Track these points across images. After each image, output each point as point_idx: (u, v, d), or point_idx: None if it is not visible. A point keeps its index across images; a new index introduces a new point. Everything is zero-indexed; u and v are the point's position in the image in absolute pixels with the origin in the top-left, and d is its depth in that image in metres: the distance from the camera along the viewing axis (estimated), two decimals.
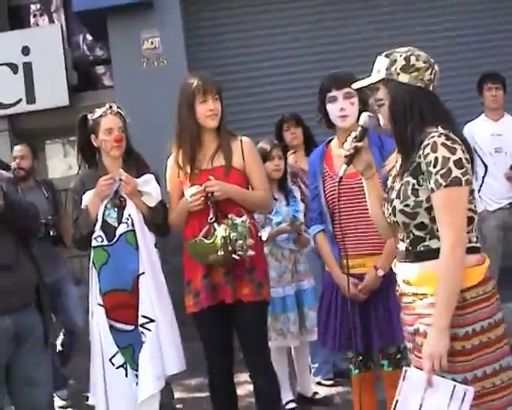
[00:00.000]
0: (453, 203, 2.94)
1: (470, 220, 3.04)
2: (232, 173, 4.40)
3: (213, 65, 8.39)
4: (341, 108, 4.23)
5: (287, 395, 5.59)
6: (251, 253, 4.21)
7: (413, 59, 3.09)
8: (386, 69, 3.10)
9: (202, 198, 4.28)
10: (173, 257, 7.48)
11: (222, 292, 4.33)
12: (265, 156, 5.48)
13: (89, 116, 4.67)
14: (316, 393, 5.87)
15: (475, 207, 3.09)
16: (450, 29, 9.09)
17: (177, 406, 5.32)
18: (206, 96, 4.37)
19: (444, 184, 2.93)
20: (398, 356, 4.20)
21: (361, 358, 4.37)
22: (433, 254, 3.01)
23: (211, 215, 4.27)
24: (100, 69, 12.59)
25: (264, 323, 4.53)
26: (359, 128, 3.30)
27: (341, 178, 3.34)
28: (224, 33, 8.89)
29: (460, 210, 2.96)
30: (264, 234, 5.32)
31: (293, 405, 5.65)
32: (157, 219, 4.55)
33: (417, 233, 3.07)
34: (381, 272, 4.11)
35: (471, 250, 3.03)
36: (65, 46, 11.30)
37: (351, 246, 4.14)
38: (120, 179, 4.47)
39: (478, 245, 3.10)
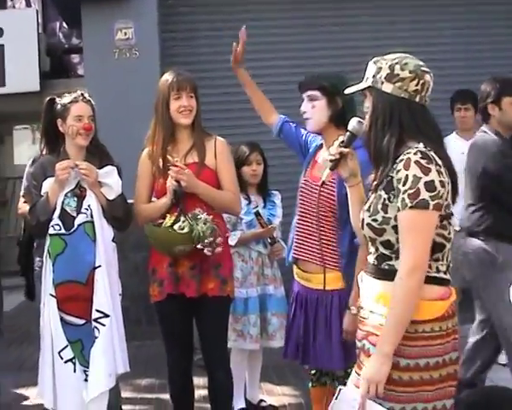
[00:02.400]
0: (417, 227, 2.80)
1: (439, 247, 2.89)
2: (204, 171, 4.42)
3: (187, 61, 8.25)
4: (301, 110, 4.15)
5: (238, 402, 5.49)
6: (219, 249, 4.26)
7: (397, 68, 2.94)
8: (373, 76, 2.99)
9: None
10: (133, 253, 7.45)
11: (185, 285, 4.36)
12: (243, 160, 5.48)
13: (57, 100, 4.54)
14: (262, 400, 5.76)
15: (449, 234, 2.93)
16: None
17: (124, 407, 5.19)
18: (180, 92, 4.41)
19: (409, 205, 2.79)
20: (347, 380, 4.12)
21: (313, 372, 4.31)
22: (395, 274, 2.86)
23: (180, 205, 4.28)
24: (74, 58, 12.48)
25: (225, 318, 4.58)
26: (347, 133, 3.17)
27: (323, 182, 3.30)
28: (200, 30, 8.76)
29: (423, 234, 2.81)
30: (234, 238, 5.27)
31: None
32: (116, 212, 4.45)
33: (383, 251, 2.94)
34: (354, 310, 3.93)
35: (435, 281, 2.89)
36: (39, 31, 11.17)
37: (302, 251, 4.12)
38: (80, 168, 4.35)
39: (446, 277, 2.94)
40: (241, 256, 5.44)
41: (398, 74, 2.94)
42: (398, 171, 2.84)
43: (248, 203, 5.46)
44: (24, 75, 10.71)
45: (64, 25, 11.98)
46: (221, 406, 4.60)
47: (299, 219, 4.16)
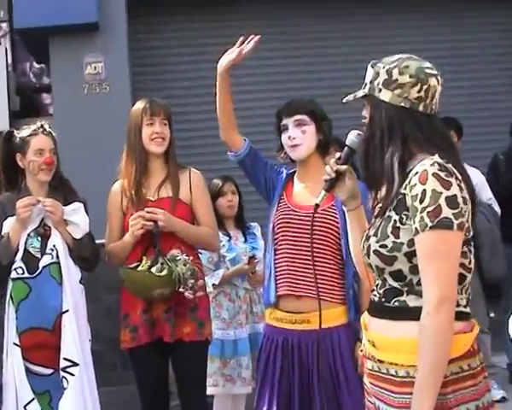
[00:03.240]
0: (440, 250, 2.36)
1: (461, 278, 2.45)
2: (178, 206, 4.22)
3: (159, 96, 7.98)
4: (290, 136, 3.80)
5: None
6: (200, 293, 4.13)
7: (395, 73, 2.54)
8: (370, 82, 2.59)
9: (142, 224, 4.07)
10: (106, 295, 7.16)
11: (160, 329, 4.15)
12: (217, 192, 5.29)
13: (15, 133, 4.27)
14: None
15: (470, 263, 2.50)
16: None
17: None
18: (152, 118, 4.21)
19: (430, 224, 2.35)
20: None
21: None
22: (409, 313, 2.43)
23: (157, 246, 4.06)
24: (45, 98, 12.25)
25: (204, 363, 4.37)
26: (345, 149, 2.75)
27: (317, 205, 2.82)
28: (172, 63, 8.55)
29: (449, 259, 2.37)
30: (217, 277, 5.03)
31: None
32: (83, 252, 4.18)
33: (392, 284, 2.50)
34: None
35: (457, 316, 2.43)
36: (9, 70, 10.96)
37: (290, 284, 3.72)
38: (44, 205, 4.08)
39: (466, 310, 2.50)
40: (228, 296, 5.23)
41: (396, 80, 2.53)
42: (413, 186, 2.42)
43: (229, 239, 5.27)
44: None
45: (35, 65, 11.82)
46: None
47: (281, 253, 3.77)
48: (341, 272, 3.68)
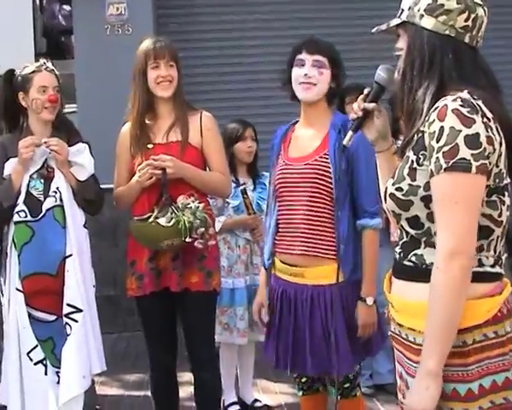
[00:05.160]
0: (455, 196, 2.12)
1: (484, 233, 2.21)
2: (188, 150, 4.05)
3: (183, 39, 7.85)
4: (306, 74, 3.62)
5: (229, 397, 5.19)
6: (212, 243, 4.01)
7: None
8: (409, 9, 2.33)
9: (151, 173, 3.94)
10: (125, 240, 7.01)
11: (167, 278, 4.02)
12: (238, 136, 5.14)
13: (17, 71, 4.09)
14: (256, 400, 5.35)
15: (501, 216, 2.24)
16: None
17: (109, 406, 4.83)
18: (157, 61, 4.02)
19: (444, 166, 2.12)
20: (347, 385, 3.68)
21: (305, 379, 3.84)
22: (427, 274, 2.19)
23: (164, 195, 3.91)
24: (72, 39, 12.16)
25: (212, 314, 4.24)
26: (374, 85, 2.52)
27: (345, 147, 2.61)
28: (197, 6, 8.29)
29: (465, 207, 2.13)
30: (218, 224, 4.88)
31: (236, 407, 5.20)
32: (88, 194, 4.04)
33: (410, 231, 2.28)
34: (370, 300, 3.53)
35: (480, 277, 2.20)
36: (36, 11, 10.86)
37: (287, 244, 3.65)
38: (49, 144, 3.94)
39: (495, 270, 2.25)
40: (228, 243, 5.10)
41: (442, 5, 2.27)
42: (431, 123, 2.18)
43: (236, 186, 5.12)
44: (17, 56, 10.33)
45: (64, 7, 11.67)
46: (207, 409, 4.27)
47: (281, 211, 3.69)
48: (336, 227, 3.53)
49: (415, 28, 2.31)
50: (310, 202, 3.55)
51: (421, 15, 2.30)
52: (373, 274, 3.56)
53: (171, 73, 4.03)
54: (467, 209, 2.13)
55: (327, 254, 3.53)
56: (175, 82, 4.05)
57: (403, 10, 2.36)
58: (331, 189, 3.49)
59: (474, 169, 2.11)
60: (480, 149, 2.12)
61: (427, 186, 2.20)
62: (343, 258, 3.46)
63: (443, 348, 2.13)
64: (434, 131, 2.16)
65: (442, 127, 2.14)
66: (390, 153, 2.56)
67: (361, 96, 2.51)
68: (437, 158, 2.14)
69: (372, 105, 2.49)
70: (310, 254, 3.55)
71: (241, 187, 5.11)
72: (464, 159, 2.11)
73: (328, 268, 3.43)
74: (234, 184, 5.04)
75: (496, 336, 2.19)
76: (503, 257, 2.29)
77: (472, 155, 2.11)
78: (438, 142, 2.15)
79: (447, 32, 2.28)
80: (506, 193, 2.25)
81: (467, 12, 2.27)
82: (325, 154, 3.53)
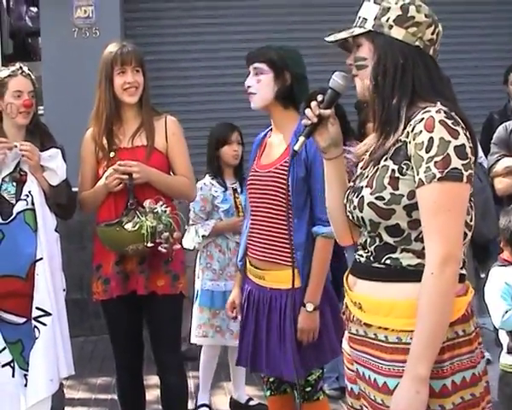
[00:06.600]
0: (448, 204, 2.19)
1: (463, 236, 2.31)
2: (154, 155, 4.08)
3: (150, 42, 7.90)
4: (247, 85, 3.72)
5: (203, 398, 5.28)
6: (177, 247, 3.98)
7: (412, 10, 2.33)
8: (375, 19, 2.36)
9: (117, 179, 3.97)
10: (92, 243, 7.03)
11: (134, 282, 4.06)
12: (224, 140, 5.21)
13: None
14: (250, 399, 5.43)
15: (471, 220, 2.34)
16: None
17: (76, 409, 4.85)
18: (124, 66, 4.04)
19: (438, 176, 2.18)
20: (308, 389, 3.72)
21: (272, 379, 3.88)
22: (402, 274, 2.29)
23: (130, 200, 3.94)
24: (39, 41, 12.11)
25: (178, 318, 4.27)
26: (328, 91, 2.49)
27: (295, 152, 2.55)
28: (165, 10, 8.32)
29: (456, 215, 2.21)
30: (208, 228, 4.96)
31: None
32: (60, 199, 4.05)
33: (387, 239, 2.32)
34: (310, 307, 3.56)
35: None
36: (3, 13, 10.78)
37: (252, 247, 3.74)
38: (21, 149, 3.95)
39: (463, 272, 2.33)
40: (218, 247, 5.23)
41: (413, 17, 2.33)
42: (418, 134, 2.23)
43: (224, 190, 5.22)
44: None
45: (31, 8, 11.61)
46: None
47: (251, 217, 3.77)
48: (291, 234, 3.53)
49: (383, 38, 2.35)
50: (268, 209, 3.61)
51: (391, 26, 2.34)
52: (319, 282, 3.57)
53: (137, 78, 4.05)
54: (457, 217, 2.22)
55: (284, 260, 3.55)
56: (141, 87, 4.08)
57: (365, 19, 2.39)
58: (288, 196, 3.47)
59: (464, 178, 2.20)
60: (468, 160, 2.22)
61: (411, 195, 2.25)
62: (299, 265, 3.53)
63: (433, 353, 2.19)
64: (422, 142, 2.21)
65: (431, 138, 2.20)
66: (340, 160, 2.57)
67: (314, 103, 2.48)
68: (427, 168, 2.20)
69: (329, 111, 2.48)
70: (268, 259, 3.63)
71: (233, 185, 5.21)
72: (456, 168, 2.19)
73: (285, 273, 3.39)
74: (222, 188, 5.18)
75: (464, 334, 2.28)
76: (466, 260, 2.36)
77: (462, 165, 2.20)
78: (428, 152, 2.20)
79: (417, 44, 2.34)
80: (472, 198, 2.33)
81: (433, 26, 2.37)
82: (285, 161, 3.56)
